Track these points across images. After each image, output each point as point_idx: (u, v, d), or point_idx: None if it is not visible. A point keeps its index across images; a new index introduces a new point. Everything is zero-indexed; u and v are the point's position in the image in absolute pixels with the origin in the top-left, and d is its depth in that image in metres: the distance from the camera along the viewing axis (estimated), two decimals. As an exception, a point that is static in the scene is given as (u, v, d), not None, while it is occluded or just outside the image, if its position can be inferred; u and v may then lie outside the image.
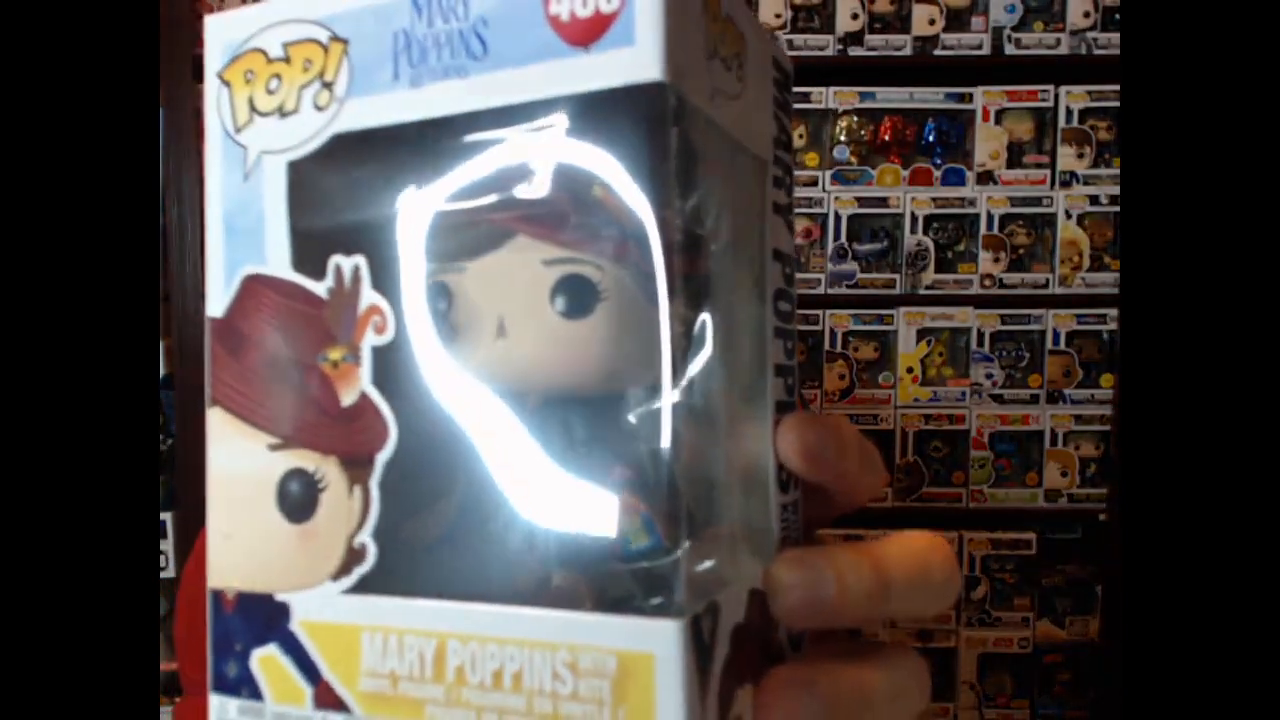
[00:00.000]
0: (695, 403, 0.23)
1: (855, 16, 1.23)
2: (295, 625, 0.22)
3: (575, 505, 0.23)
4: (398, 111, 0.21)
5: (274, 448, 0.23)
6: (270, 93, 0.23)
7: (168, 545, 1.22)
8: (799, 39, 1.23)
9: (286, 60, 0.23)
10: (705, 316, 0.22)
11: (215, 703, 0.23)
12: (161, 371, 1.21)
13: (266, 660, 0.23)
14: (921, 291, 1.25)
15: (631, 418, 0.23)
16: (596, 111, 0.20)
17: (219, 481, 0.23)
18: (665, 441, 0.20)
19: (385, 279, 0.22)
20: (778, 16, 1.23)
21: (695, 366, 0.22)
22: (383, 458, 0.22)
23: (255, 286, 0.23)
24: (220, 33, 0.24)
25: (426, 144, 0.23)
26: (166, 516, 1.21)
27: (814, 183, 1.24)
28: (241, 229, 0.23)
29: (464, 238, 0.23)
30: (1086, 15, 1.22)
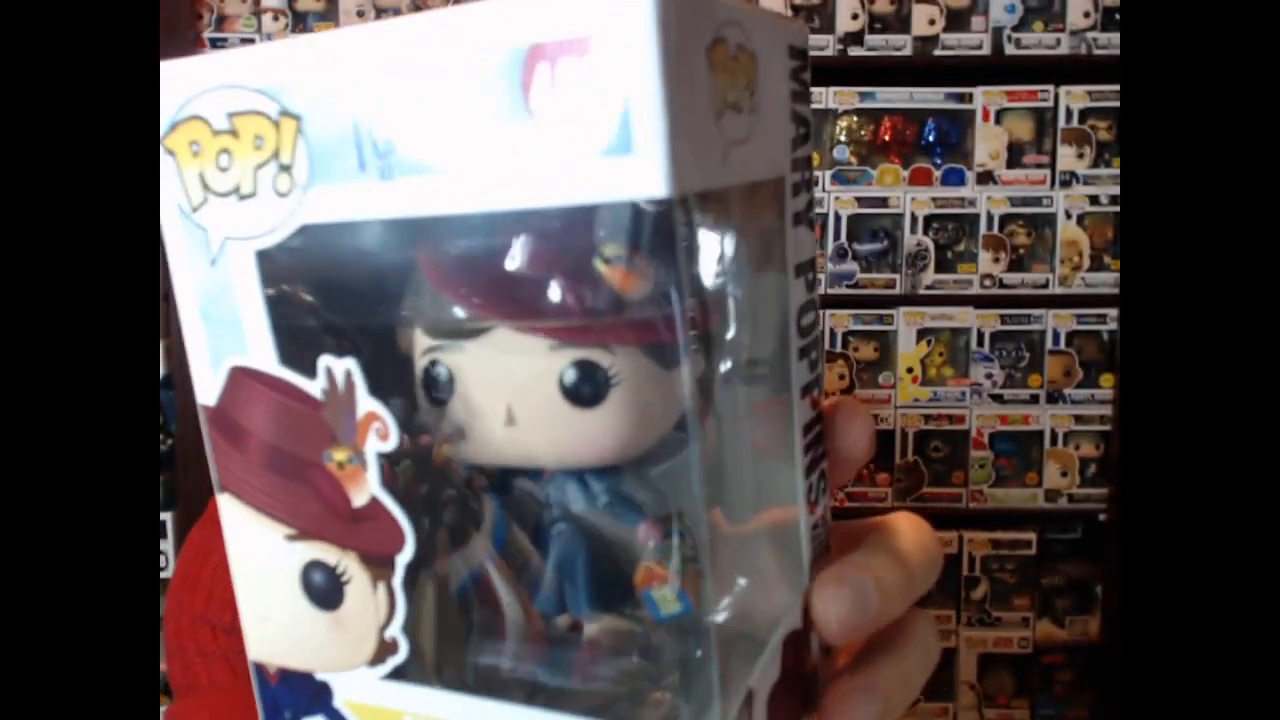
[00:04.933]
0: (720, 457, 0.23)
1: (855, 16, 1.23)
2: (339, 703, 0.22)
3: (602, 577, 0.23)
4: (367, 206, 0.19)
5: (291, 538, 0.22)
6: (222, 170, 0.20)
7: (167, 545, 1.22)
8: (799, 39, 1.23)
9: (234, 133, 0.20)
10: (726, 366, 0.22)
11: None
12: (161, 371, 1.21)
13: None
14: (921, 291, 1.25)
15: (654, 473, 0.22)
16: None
17: (243, 567, 0.23)
18: (700, 523, 0.20)
19: (381, 382, 0.20)
20: (778, 16, 1.23)
21: (717, 420, 0.22)
22: (402, 560, 0.21)
23: (245, 379, 0.21)
24: (168, 87, 0.21)
25: (402, 235, 0.21)
26: (166, 516, 1.21)
27: (814, 183, 1.24)
28: (219, 318, 0.21)
29: (460, 318, 0.21)
30: (1086, 15, 1.22)
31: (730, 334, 0.22)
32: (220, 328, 0.21)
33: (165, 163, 0.21)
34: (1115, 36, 1.22)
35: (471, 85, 0.17)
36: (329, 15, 1.23)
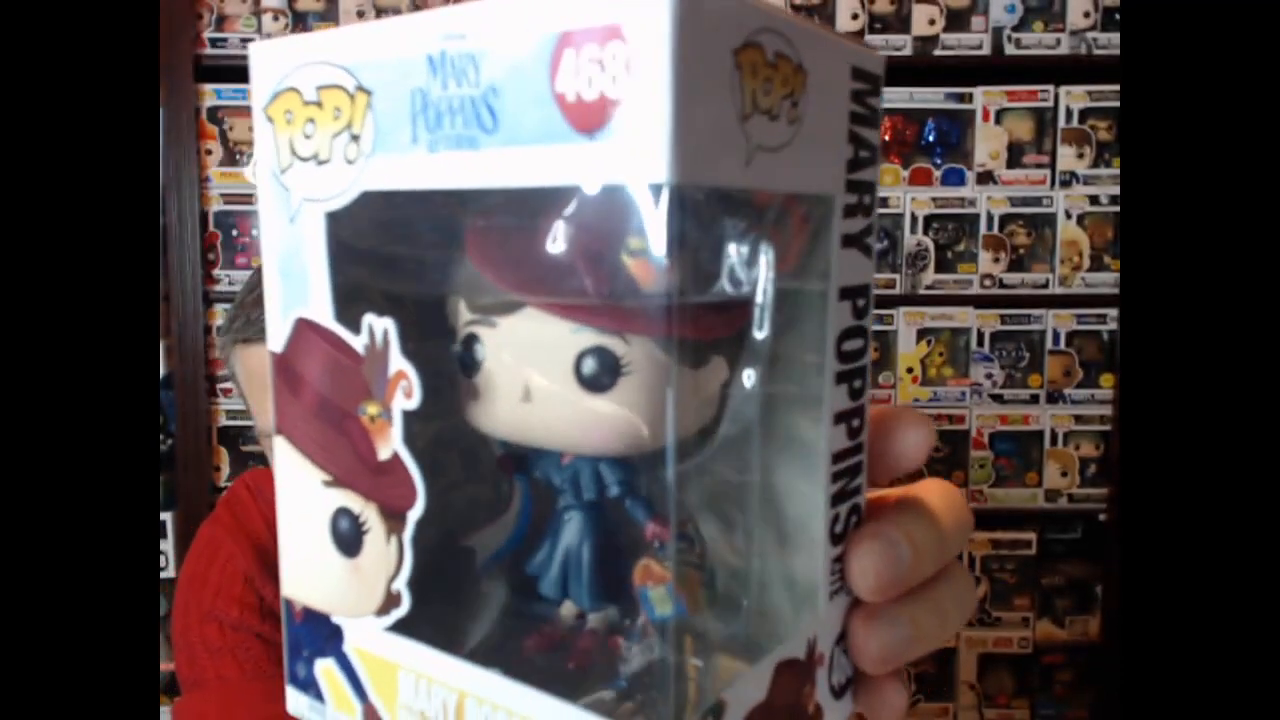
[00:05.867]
0: (729, 465, 0.23)
1: (855, 16, 1.23)
2: (348, 648, 0.24)
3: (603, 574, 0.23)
4: (415, 177, 0.20)
5: (326, 484, 0.23)
6: (307, 137, 0.22)
7: (168, 545, 1.22)
8: (799, 39, 1.23)
9: (319, 105, 0.22)
10: (744, 375, 0.22)
11: (291, 694, 0.25)
12: (162, 371, 1.21)
13: (327, 671, 0.24)
14: (921, 291, 1.25)
15: (666, 474, 0.23)
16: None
17: (288, 506, 0.25)
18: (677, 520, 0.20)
19: (414, 343, 0.22)
20: (778, 16, 1.23)
21: (729, 427, 0.22)
22: (413, 516, 0.22)
23: (306, 330, 0.23)
24: (264, 64, 0.23)
25: (452, 210, 0.22)
26: (167, 516, 1.21)
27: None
28: (292, 272, 0.23)
29: (495, 293, 0.23)
30: (1086, 15, 1.22)
31: (759, 340, 0.22)
32: (292, 281, 0.23)
33: (264, 129, 0.23)
34: (1115, 36, 1.22)
35: (508, 68, 0.18)
36: (329, 15, 1.23)
